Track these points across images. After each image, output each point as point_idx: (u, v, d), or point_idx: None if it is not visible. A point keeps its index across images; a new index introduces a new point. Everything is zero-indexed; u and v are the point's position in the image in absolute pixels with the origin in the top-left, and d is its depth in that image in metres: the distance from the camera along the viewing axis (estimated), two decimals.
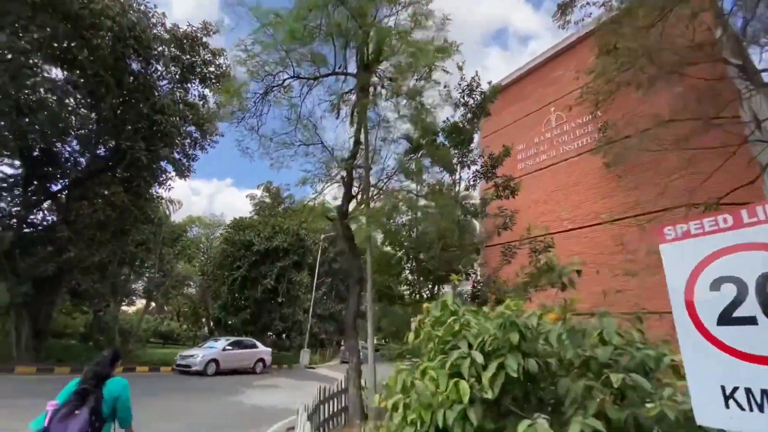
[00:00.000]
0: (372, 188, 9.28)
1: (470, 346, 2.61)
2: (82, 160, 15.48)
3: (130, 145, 12.03)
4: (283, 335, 24.82)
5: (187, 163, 17.59)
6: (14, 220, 13.71)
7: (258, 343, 18.11)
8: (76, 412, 2.52)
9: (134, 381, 11.33)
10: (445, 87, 9.64)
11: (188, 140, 17.69)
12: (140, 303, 47.57)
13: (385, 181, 10.49)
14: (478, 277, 10.35)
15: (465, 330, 2.71)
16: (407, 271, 11.88)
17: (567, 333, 2.28)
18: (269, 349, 18.56)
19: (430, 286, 10.51)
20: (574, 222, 16.12)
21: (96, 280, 15.19)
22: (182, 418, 8.14)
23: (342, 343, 46.05)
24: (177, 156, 16.02)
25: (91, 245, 13.51)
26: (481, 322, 2.75)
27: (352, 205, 9.56)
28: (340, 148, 13.33)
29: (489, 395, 2.32)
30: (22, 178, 13.87)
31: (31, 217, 14.12)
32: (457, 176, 12.36)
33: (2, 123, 11.90)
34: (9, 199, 14.12)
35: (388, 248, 12.49)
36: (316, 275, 27.11)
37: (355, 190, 9.74)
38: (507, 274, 10.17)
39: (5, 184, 13.98)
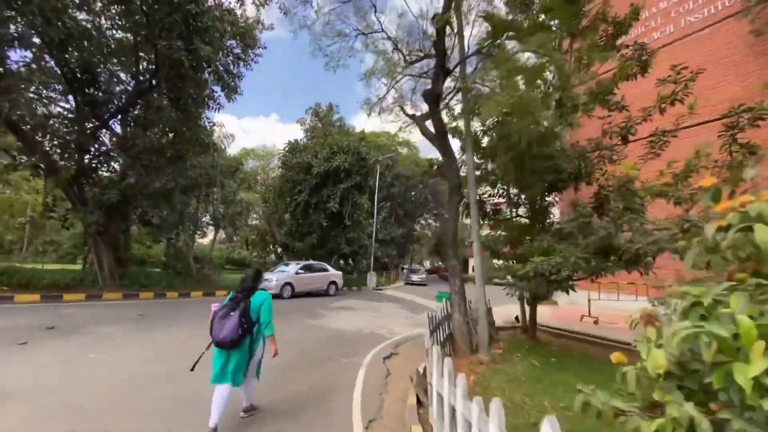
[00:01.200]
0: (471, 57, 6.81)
1: None
2: (128, 88, 14.31)
3: (168, 45, 10.33)
4: (349, 259, 24.58)
5: (232, 82, 15.94)
6: (75, 151, 13.22)
7: (329, 267, 17.64)
8: (231, 314, 3.33)
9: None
10: None
11: (230, 57, 15.92)
12: (212, 234, 50.79)
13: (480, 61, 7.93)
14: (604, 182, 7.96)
15: None
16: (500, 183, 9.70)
17: None
18: (340, 272, 18.11)
19: (539, 198, 8.34)
20: (699, 114, 12.61)
21: (167, 212, 14.90)
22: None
23: (404, 266, 46.59)
24: (220, 68, 14.28)
25: (149, 171, 12.77)
26: None
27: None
28: (403, 37, 10.73)
29: None
30: (75, 109, 13.05)
31: (89, 147, 13.52)
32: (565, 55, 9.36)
33: (31, 35, 10.64)
34: (69, 130, 13.57)
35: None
36: (375, 199, 25.85)
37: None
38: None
39: (64, 119, 13.27)
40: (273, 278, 15.02)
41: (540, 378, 6.11)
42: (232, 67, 16.10)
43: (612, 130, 6.84)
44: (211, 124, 19.02)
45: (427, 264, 65.09)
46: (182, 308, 11.20)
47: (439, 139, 7.21)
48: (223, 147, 23.25)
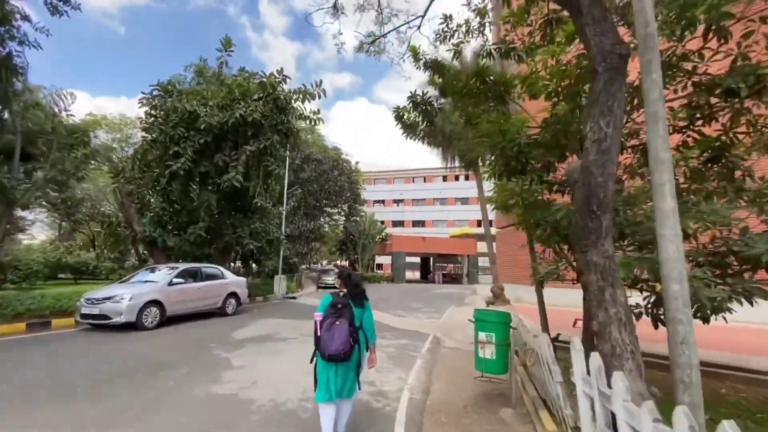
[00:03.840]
0: None
1: None
2: None
3: None
4: (249, 260, 18.48)
5: None
6: None
7: (225, 271, 11.67)
8: (337, 323, 3.01)
9: None
10: None
11: None
12: (49, 232, 37.34)
13: None
14: None
15: None
16: None
17: None
18: (243, 279, 12.25)
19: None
20: None
21: None
22: None
23: (323, 266, 40.62)
24: None
25: None
26: None
27: None
28: None
29: None
30: None
31: None
32: None
33: None
34: None
35: None
36: (286, 180, 20.25)
37: None
38: None
39: None
40: (126, 294, 8.64)
41: None
42: None
43: None
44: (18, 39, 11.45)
45: (325, 264, 60.22)
46: None
47: None
48: (56, 109, 14.86)
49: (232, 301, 11.34)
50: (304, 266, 47.48)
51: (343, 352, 2.90)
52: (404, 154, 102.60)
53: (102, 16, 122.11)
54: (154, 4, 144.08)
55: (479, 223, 57.73)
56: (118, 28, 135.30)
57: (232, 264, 20.73)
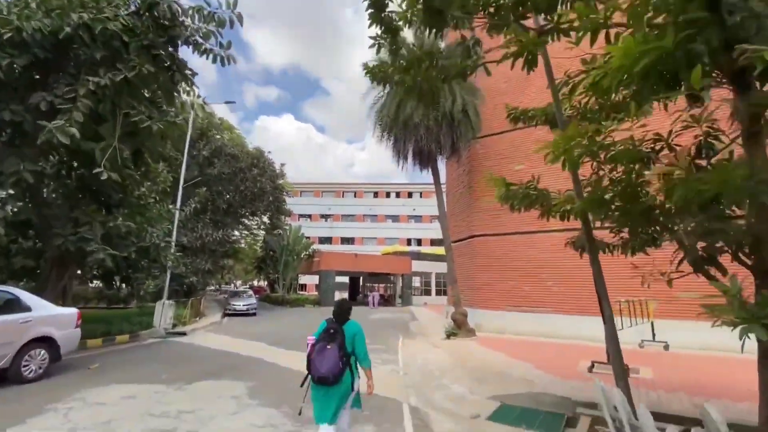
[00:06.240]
0: None
1: None
2: None
3: None
4: (115, 277, 12.76)
5: None
6: None
7: (30, 297, 6.41)
8: (328, 347, 3.12)
9: None
10: None
11: None
12: None
13: None
14: None
15: None
16: None
17: None
18: (69, 312, 6.99)
19: None
20: None
21: None
22: None
23: (236, 288, 33.86)
24: None
25: None
26: None
27: None
28: None
29: None
30: None
31: None
32: None
33: None
34: None
35: None
36: (184, 166, 15.06)
37: None
38: None
39: None
40: None
41: None
42: None
43: None
44: None
45: (239, 284, 52.61)
46: None
47: None
48: None
49: (41, 352, 6.15)
50: (212, 287, 39.96)
51: (332, 375, 2.96)
52: (332, 177, 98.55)
53: None
54: None
55: (409, 242, 55.67)
56: None
57: (93, 284, 14.63)
